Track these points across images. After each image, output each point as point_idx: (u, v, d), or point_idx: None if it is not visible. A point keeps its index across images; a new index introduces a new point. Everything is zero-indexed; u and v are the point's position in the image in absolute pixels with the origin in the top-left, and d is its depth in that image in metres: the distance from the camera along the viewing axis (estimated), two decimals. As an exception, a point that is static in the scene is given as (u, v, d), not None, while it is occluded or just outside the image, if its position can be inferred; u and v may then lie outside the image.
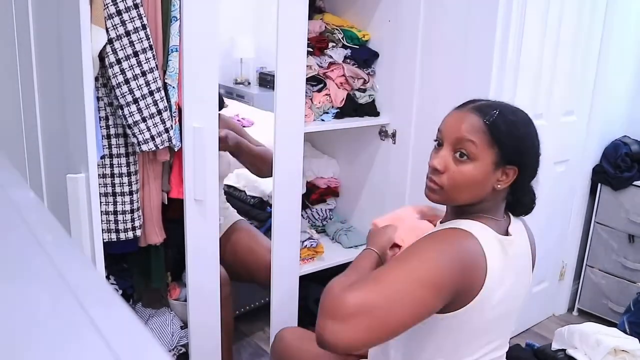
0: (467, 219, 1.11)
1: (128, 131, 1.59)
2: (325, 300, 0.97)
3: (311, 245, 2.11)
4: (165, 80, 1.63)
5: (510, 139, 1.08)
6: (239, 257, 2.09)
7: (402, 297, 0.96)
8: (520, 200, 1.17)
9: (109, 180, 1.63)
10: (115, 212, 1.65)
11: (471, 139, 1.08)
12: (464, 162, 1.08)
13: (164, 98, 1.61)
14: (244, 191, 2.53)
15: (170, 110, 1.64)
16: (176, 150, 1.69)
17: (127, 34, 1.51)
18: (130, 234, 1.68)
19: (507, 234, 1.15)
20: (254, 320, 2.47)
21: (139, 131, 1.58)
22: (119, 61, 1.52)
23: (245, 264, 2.08)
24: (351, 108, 2.16)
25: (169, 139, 1.64)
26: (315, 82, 2.08)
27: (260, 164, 2.07)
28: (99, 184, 1.55)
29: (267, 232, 2.23)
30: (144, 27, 1.52)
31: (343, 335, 0.93)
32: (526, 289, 1.21)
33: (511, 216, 1.19)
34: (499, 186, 1.10)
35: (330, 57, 2.12)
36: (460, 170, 1.09)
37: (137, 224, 1.69)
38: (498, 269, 1.06)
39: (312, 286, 2.28)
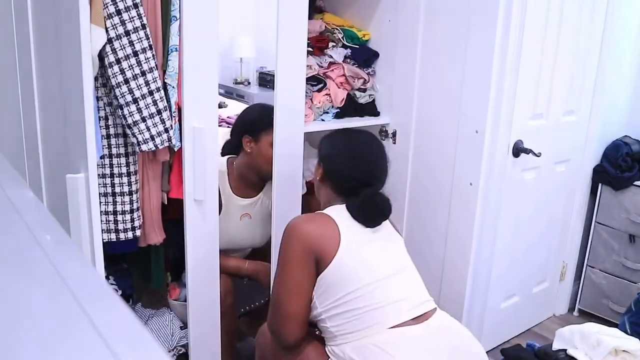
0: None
1: (128, 131, 1.59)
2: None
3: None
4: (165, 80, 1.63)
5: (320, 145, 1.62)
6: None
7: (288, 288, 1.41)
8: (351, 205, 1.48)
9: (108, 180, 1.63)
10: (115, 212, 1.65)
11: None
12: None
13: (164, 98, 1.61)
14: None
15: (170, 110, 1.64)
16: (176, 150, 1.69)
17: (127, 33, 1.51)
18: (130, 234, 1.67)
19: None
20: (254, 320, 2.47)
21: (139, 131, 1.58)
22: (118, 61, 1.52)
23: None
24: (351, 108, 2.16)
25: (169, 139, 1.64)
26: (315, 82, 2.08)
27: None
28: (99, 184, 1.55)
29: (267, 232, 2.23)
30: (143, 26, 1.52)
31: (286, 338, 1.42)
32: (401, 246, 1.55)
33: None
34: (317, 177, 1.59)
35: (331, 57, 2.12)
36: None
37: (136, 224, 1.68)
38: (351, 226, 1.45)
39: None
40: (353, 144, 1.58)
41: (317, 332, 1.51)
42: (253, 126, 1.95)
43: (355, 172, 1.53)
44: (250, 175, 2.00)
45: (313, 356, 1.44)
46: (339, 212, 1.47)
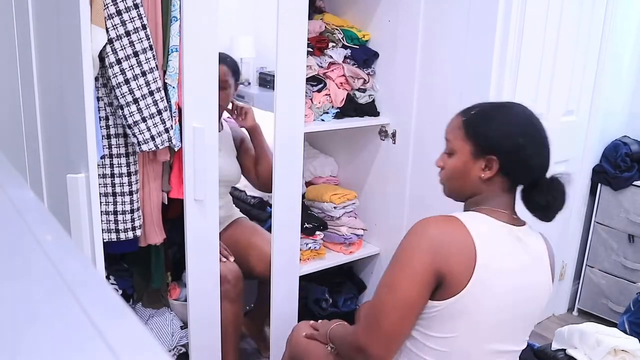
0: (469, 211, 1.23)
1: (128, 131, 1.59)
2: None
3: (314, 247, 2.11)
4: (165, 80, 1.63)
5: (481, 131, 1.21)
6: (240, 251, 2.09)
7: (393, 306, 1.13)
8: (533, 199, 1.21)
9: (109, 180, 1.63)
10: (115, 212, 1.65)
11: (449, 137, 1.27)
12: (451, 157, 1.26)
13: (164, 98, 1.61)
14: (244, 191, 2.53)
15: (170, 110, 1.64)
16: (176, 150, 1.69)
17: (127, 34, 1.51)
18: (130, 234, 1.67)
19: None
20: (253, 321, 2.47)
21: (139, 131, 1.58)
22: (119, 61, 1.52)
23: (245, 258, 2.08)
24: (351, 108, 2.16)
25: (169, 139, 1.64)
26: (315, 82, 2.08)
27: (264, 165, 2.09)
28: (99, 184, 1.55)
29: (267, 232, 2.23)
30: (144, 27, 1.52)
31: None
32: (543, 295, 1.25)
33: (527, 223, 1.25)
34: (483, 175, 1.20)
35: (330, 57, 2.12)
36: (448, 164, 1.27)
37: (137, 224, 1.69)
38: (495, 253, 1.15)
39: (312, 286, 2.28)
40: (529, 123, 1.23)
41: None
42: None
43: (544, 160, 1.21)
44: None
45: None
46: (483, 221, 1.18)
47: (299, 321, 2.05)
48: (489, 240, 1.15)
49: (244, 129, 2.18)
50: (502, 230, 1.19)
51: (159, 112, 1.60)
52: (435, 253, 1.11)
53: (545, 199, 1.19)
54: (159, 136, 1.62)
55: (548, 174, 1.23)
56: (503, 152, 1.19)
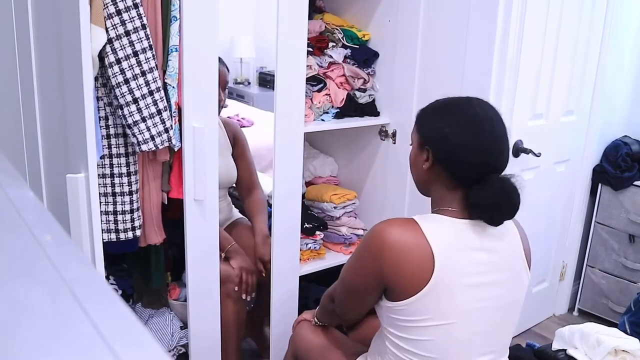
0: (430, 214, 1.25)
1: (128, 131, 1.59)
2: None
3: (314, 247, 2.11)
4: (165, 80, 1.63)
5: (421, 122, 1.27)
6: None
7: (348, 303, 1.33)
8: (475, 197, 1.16)
9: (108, 180, 1.63)
10: (115, 212, 1.65)
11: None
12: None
13: (164, 98, 1.61)
14: (244, 191, 2.53)
15: (170, 110, 1.64)
16: (176, 150, 1.69)
17: (127, 33, 1.51)
18: (130, 234, 1.67)
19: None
20: (253, 321, 2.47)
21: (139, 131, 1.58)
22: (118, 61, 1.52)
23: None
24: (351, 108, 2.16)
25: (169, 139, 1.64)
26: (315, 82, 2.07)
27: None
28: (99, 184, 1.55)
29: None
30: (143, 26, 1.52)
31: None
32: (519, 287, 1.25)
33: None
34: (424, 166, 1.24)
35: (330, 57, 2.12)
36: (409, 155, 1.32)
37: (137, 224, 1.68)
38: (456, 253, 1.16)
39: (312, 286, 2.28)
40: (472, 115, 1.20)
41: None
42: None
43: (482, 156, 1.17)
44: None
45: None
46: (439, 223, 1.18)
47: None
48: (448, 242, 1.15)
49: (237, 127, 2.18)
50: (463, 229, 1.17)
51: (159, 112, 1.60)
52: (385, 262, 1.14)
53: (487, 200, 1.14)
54: (159, 136, 1.62)
55: (502, 175, 1.19)
56: (433, 142, 1.22)
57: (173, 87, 1.63)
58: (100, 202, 1.58)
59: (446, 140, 1.19)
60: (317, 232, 2.13)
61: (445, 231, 1.17)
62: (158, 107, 1.60)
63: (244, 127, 3.66)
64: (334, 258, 2.18)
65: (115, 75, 1.52)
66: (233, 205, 2.29)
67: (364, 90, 2.19)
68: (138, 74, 1.54)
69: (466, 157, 1.17)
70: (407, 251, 1.13)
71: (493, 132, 1.19)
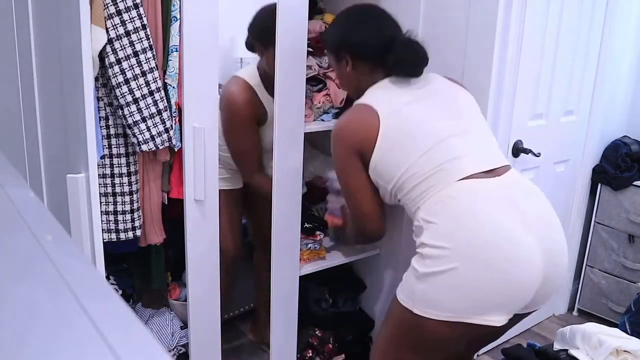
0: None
1: (128, 131, 1.59)
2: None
3: (314, 247, 2.11)
4: (165, 80, 1.63)
5: (327, 39, 1.63)
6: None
7: (352, 193, 1.53)
8: (389, 61, 1.47)
9: (109, 180, 1.63)
10: (115, 212, 1.65)
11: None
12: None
13: (164, 98, 1.61)
14: (244, 191, 2.53)
15: (170, 110, 1.64)
16: (176, 150, 1.69)
17: (127, 34, 1.51)
18: (130, 234, 1.67)
19: None
20: (255, 322, 2.47)
21: (139, 131, 1.58)
22: (119, 61, 1.52)
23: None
24: (351, 108, 2.16)
25: (169, 139, 1.64)
26: (315, 82, 2.07)
27: None
28: (99, 184, 1.55)
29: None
30: (144, 27, 1.52)
31: (372, 235, 1.59)
32: (450, 98, 1.53)
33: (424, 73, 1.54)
34: (348, 69, 1.54)
35: (331, 57, 2.11)
36: (336, 78, 1.72)
37: (137, 224, 1.68)
38: (392, 101, 1.44)
39: (312, 286, 2.28)
40: (354, 8, 1.57)
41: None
42: (262, 36, 1.94)
43: (379, 32, 1.50)
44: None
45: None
46: (373, 91, 1.48)
47: (298, 322, 2.05)
48: (385, 97, 1.46)
49: None
50: (394, 88, 1.48)
51: (159, 112, 1.60)
52: (354, 144, 1.43)
53: (398, 57, 1.46)
54: (159, 136, 1.62)
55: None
56: (342, 45, 1.53)
57: (173, 87, 1.63)
58: (101, 202, 1.58)
59: (349, 35, 1.51)
60: (317, 232, 2.13)
61: (382, 94, 1.47)
62: (158, 107, 1.60)
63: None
64: (334, 258, 2.18)
65: (116, 76, 1.52)
66: None
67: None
68: (138, 74, 1.54)
69: (370, 36, 1.49)
70: (359, 121, 1.44)
71: (376, 9, 1.55)
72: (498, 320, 1.28)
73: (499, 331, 1.34)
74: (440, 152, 1.36)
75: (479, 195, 1.31)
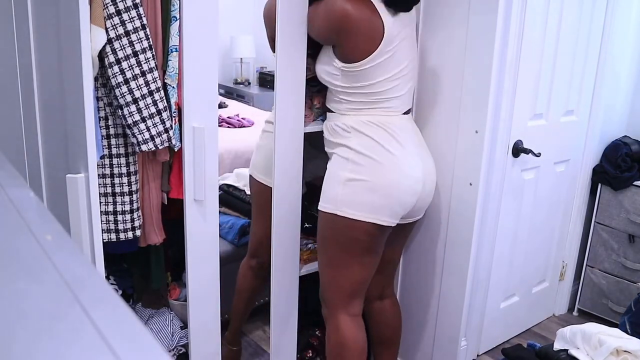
0: None
1: (128, 131, 1.59)
2: None
3: (314, 247, 2.11)
4: (165, 80, 1.63)
5: None
6: None
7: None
8: None
9: (108, 180, 1.63)
10: (115, 212, 1.65)
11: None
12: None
13: (164, 98, 1.61)
14: (244, 190, 2.53)
15: (170, 110, 1.64)
16: (176, 150, 1.69)
17: (127, 34, 1.51)
18: (130, 234, 1.67)
19: None
20: (254, 320, 2.47)
21: (139, 131, 1.58)
22: (118, 61, 1.52)
23: None
24: (351, 108, 2.15)
25: (169, 139, 1.64)
26: (315, 82, 2.07)
27: None
28: (99, 184, 1.55)
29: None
30: (143, 27, 1.52)
31: None
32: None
33: None
34: None
35: (330, 57, 2.11)
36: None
37: (136, 224, 1.68)
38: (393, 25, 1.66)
39: (312, 286, 2.27)
40: None
41: None
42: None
43: None
44: None
45: None
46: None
47: (298, 322, 2.05)
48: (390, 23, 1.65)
49: None
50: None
51: (159, 112, 1.60)
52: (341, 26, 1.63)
53: None
54: (159, 136, 1.62)
55: None
56: None
57: (173, 87, 1.63)
58: (100, 202, 1.58)
59: None
60: (317, 232, 2.13)
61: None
62: (158, 107, 1.60)
63: (244, 127, 3.65)
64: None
65: (115, 76, 1.52)
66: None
67: (364, 90, 2.19)
68: (138, 74, 1.54)
69: None
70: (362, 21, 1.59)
71: None
72: (389, 222, 1.67)
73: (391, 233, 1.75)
74: (402, 84, 1.71)
75: (406, 133, 1.71)
